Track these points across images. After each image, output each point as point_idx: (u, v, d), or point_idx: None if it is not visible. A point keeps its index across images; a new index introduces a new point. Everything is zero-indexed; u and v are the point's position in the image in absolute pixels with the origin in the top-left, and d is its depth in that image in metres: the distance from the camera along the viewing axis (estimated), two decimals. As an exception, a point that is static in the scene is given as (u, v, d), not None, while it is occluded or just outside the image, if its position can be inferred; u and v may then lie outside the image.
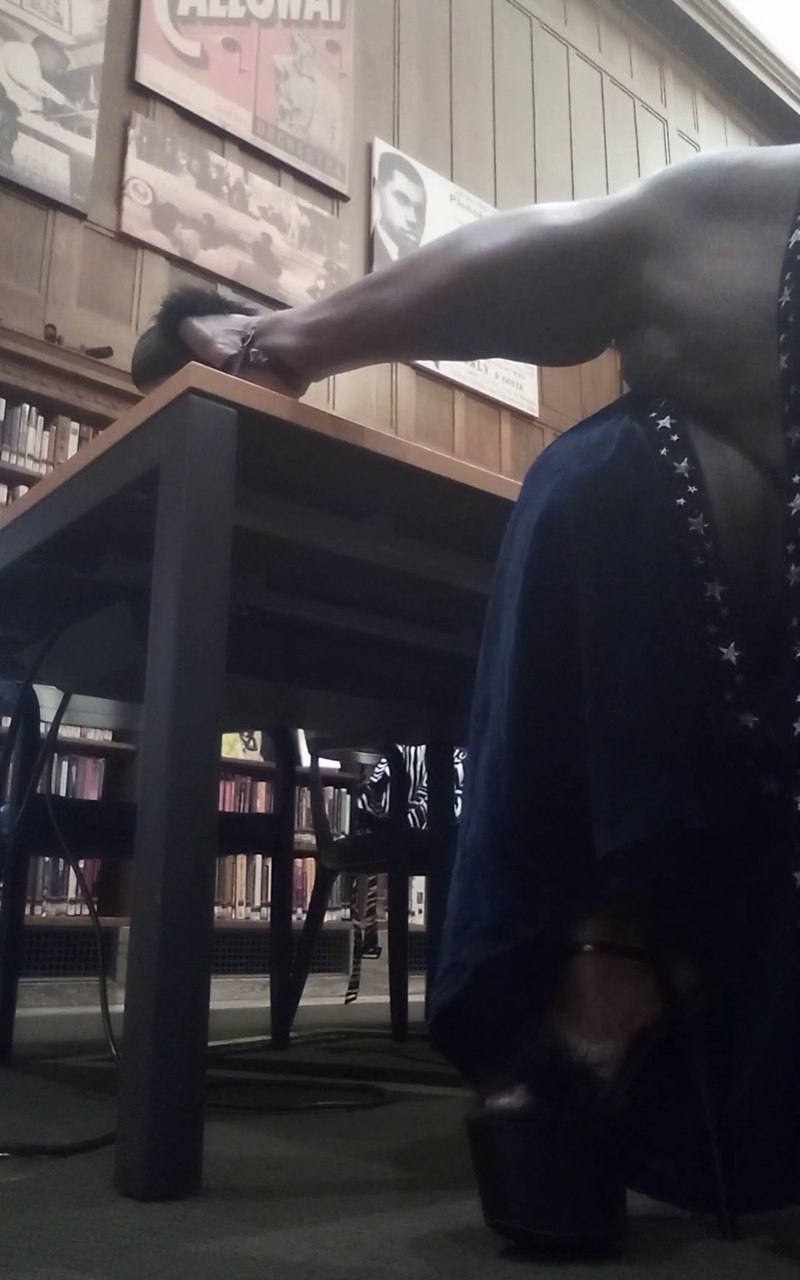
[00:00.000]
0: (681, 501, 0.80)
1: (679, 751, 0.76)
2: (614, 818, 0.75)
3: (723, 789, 0.75)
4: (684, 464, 0.81)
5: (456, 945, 0.80)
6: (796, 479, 0.76)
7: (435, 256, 0.95)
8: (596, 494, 0.82)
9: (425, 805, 2.62)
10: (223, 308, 1.16)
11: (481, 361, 5.14)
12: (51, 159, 3.77)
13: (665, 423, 0.83)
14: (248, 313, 1.16)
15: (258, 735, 3.85)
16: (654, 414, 0.84)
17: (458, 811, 2.20)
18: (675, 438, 0.83)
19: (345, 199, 4.76)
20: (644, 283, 0.87)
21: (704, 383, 0.84)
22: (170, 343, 1.16)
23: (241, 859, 3.68)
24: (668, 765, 0.75)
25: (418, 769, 2.76)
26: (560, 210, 0.92)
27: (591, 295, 0.90)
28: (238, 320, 1.14)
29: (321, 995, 3.44)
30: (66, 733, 3.27)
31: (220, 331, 1.13)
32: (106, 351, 3.69)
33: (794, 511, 0.75)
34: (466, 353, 1.04)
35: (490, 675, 0.86)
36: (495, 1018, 0.78)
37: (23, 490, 3.40)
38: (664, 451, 0.82)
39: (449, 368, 4.98)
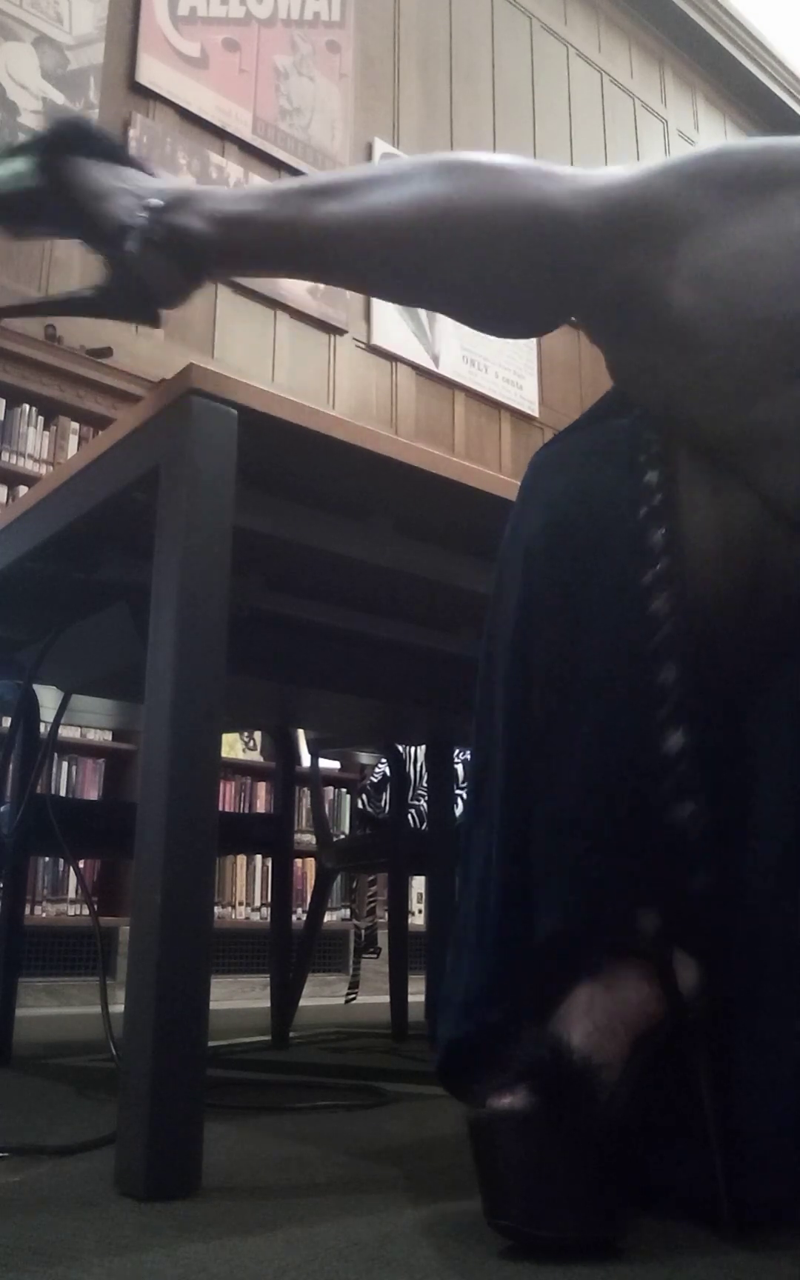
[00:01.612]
0: (647, 580, 0.76)
1: (608, 851, 0.75)
2: (540, 908, 0.76)
3: (653, 884, 0.75)
4: (661, 534, 0.76)
5: (441, 1016, 0.83)
6: None
7: (398, 183, 0.83)
8: (560, 569, 0.78)
9: (425, 805, 2.62)
10: (119, 157, 0.94)
11: (481, 361, 5.14)
12: (51, 159, 3.76)
13: (651, 478, 0.78)
14: (149, 174, 0.95)
15: (258, 735, 3.84)
16: (644, 458, 0.78)
17: (458, 811, 2.20)
18: (659, 499, 0.77)
19: (345, 199, 4.75)
20: (642, 284, 0.77)
21: (715, 415, 0.75)
22: (48, 179, 0.92)
23: (241, 859, 3.68)
24: (593, 865, 0.76)
25: (418, 769, 2.76)
26: (554, 177, 0.81)
27: (568, 283, 0.81)
28: (139, 181, 0.92)
29: (321, 995, 3.44)
30: (66, 733, 3.26)
31: (117, 189, 0.90)
32: (106, 351, 3.69)
33: None
34: (393, 297, 0.94)
35: (487, 741, 0.84)
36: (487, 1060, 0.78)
37: (23, 490, 3.40)
38: (643, 512, 0.77)
39: (449, 368, 4.98)
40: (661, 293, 0.75)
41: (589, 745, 0.76)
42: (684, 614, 0.75)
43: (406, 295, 0.94)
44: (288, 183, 0.89)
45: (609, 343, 0.83)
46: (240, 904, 3.66)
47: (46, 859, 3.21)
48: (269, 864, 3.31)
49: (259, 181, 4.14)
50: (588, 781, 0.76)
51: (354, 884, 3.22)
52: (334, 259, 0.88)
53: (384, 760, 2.61)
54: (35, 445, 3.54)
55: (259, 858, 3.63)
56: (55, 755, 3.36)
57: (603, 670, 0.76)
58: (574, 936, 0.76)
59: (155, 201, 0.89)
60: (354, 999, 3.00)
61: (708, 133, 6.78)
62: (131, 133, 4.01)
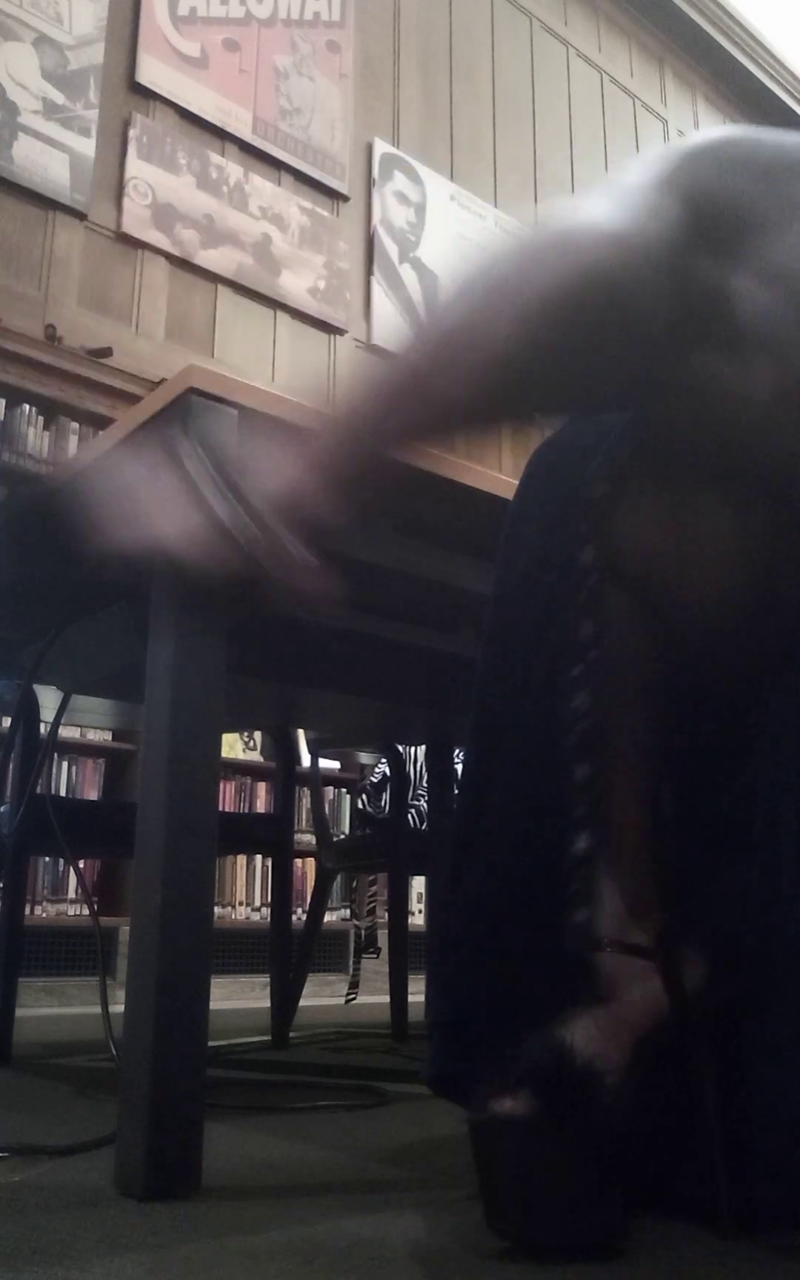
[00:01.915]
0: (574, 673, 0.80)
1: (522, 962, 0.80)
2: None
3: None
4: (588, 626, 0.79)
5: (433, 1030, 0.86)
6: None
7: (470, 339, 0.74)
8: (504, 608, 0.83)
9: (425, 805, 2.62)
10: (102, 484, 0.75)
11: (481, 361, 5.14)
12: (51, 159, 3.77)
13: (600, 490, 0.80)
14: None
15: (258, 735, 3.84)
16: (596, 470, 0.80)
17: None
18: (593, 579, 0.80)
19: (345, 199, 4.75)
20: (713, 286, 0.68)
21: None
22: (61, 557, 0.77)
23: (241, 859, 3.68)
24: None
25: (418, 769, 2.76)
26: (581, 246, 0.70)
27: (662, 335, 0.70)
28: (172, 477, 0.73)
29: (321, 995, 3.44)
30: (66, 733, 3.26)
31: (167, 503, 0.72)
32: (106, 351, 3.69)
33: None
34: (550, 410, 0.85)
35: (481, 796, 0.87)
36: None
37: (23, 490, 3.39)
38: (578, 597, 0.80)
39: (449, 368, 4.98)
40: (732, 292, 0.68)
41: (502, 822, 0.82)
42: (604, 711, 0.78)
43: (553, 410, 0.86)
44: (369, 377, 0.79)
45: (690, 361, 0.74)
46: (240, 904, 3.66)
47: (46, 859, 3.21)
48: (269, 864, 3.31)
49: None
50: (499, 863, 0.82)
51: (354, 884, 3.22)
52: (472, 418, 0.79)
53: (384, 760, 2.61)
54: (35, 445, 3.54)
55: (259, 858, 3.63)
56: (55, 755, 3.36)
57: (517, 759, 0.82)
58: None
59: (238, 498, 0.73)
60: (354, 999, 3.00)
61: (708, 133, 6.77)
62: (131, 133, 4.01)
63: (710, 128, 0.78)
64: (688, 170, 0.72)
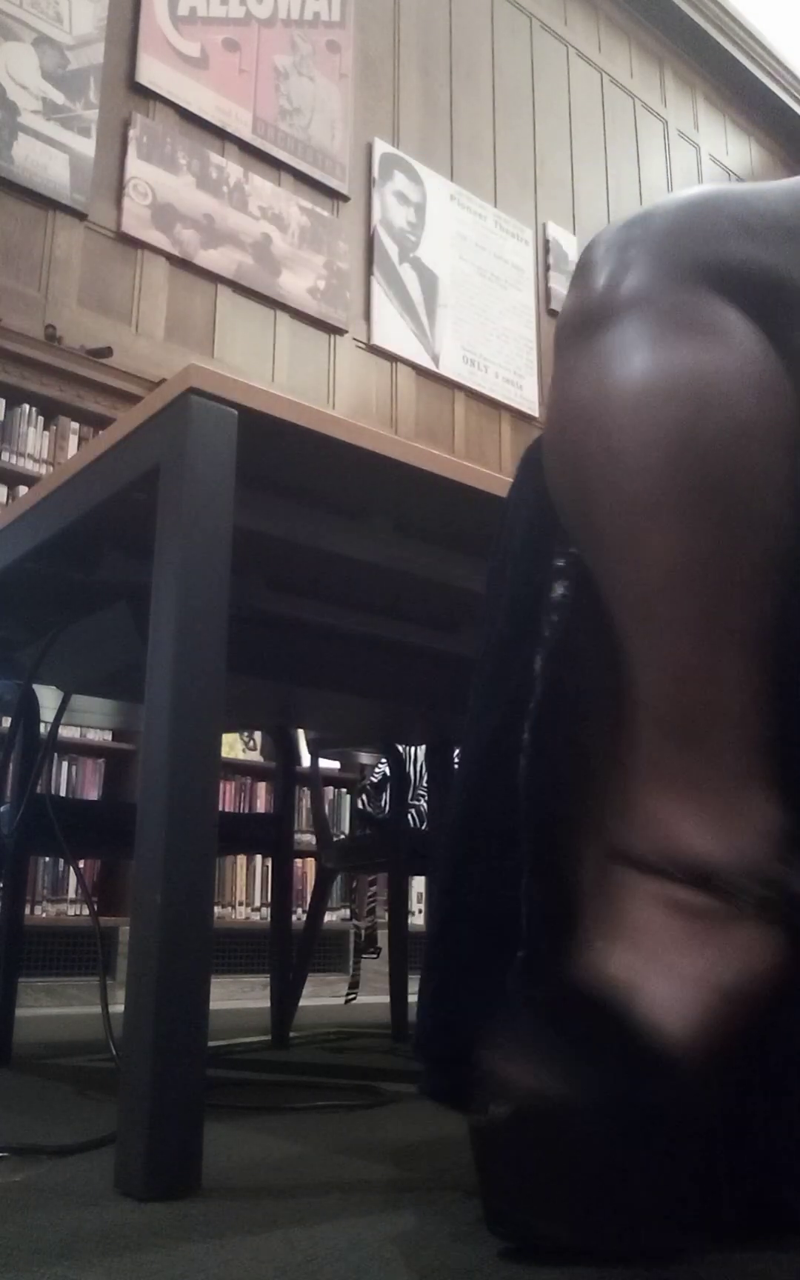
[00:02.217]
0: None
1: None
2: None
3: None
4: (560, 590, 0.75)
5: (423, 1033, 0.82)
6: None
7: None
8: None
9: (425, 805, 2.62)
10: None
11: (481, 361, 5.14)
12: (51, 159, 3.77)
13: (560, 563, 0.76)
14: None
15: (258, 735, 3.84)
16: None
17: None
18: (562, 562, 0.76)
19: (345, 199, 4.75)
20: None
21: None
22: None
23: (241, 859, 3.68)
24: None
25: (418, 769, 2.76)
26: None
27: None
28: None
29: (321, 995, 3.44)
30: (66, 733, 3.26)
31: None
32: (106, 351, 3.69)
33: None
34: None
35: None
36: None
37: (23, 490, 3.40)
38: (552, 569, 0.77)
39: (449, 368, 4.98)
40: None
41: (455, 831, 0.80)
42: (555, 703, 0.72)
43: None
44: None
45: None
46: (240, 904, 3.66)
47: (46, 859, 3.21)
48: (269, 864, 3.31)
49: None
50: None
51: (354, 884, 3.22)
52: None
53: (384, 760, 2.61)
54: (35, 445, 3.54)
55: (259, 858, 3.63)
56: (55, 755, 3.36)
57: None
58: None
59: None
60: (354, 999, 3.00)
61: (707, 133, 6.78)
62: (131, 133, 4.01)
63: (661, 201, 0.67)
64: (697, 254, 0.64)
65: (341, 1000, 3.09)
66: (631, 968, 0.58)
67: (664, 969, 0.58)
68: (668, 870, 0.59)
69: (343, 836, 3.34)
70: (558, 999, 0.60)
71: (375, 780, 2.80)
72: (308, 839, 3.38)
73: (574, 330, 0.66)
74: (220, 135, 4.34)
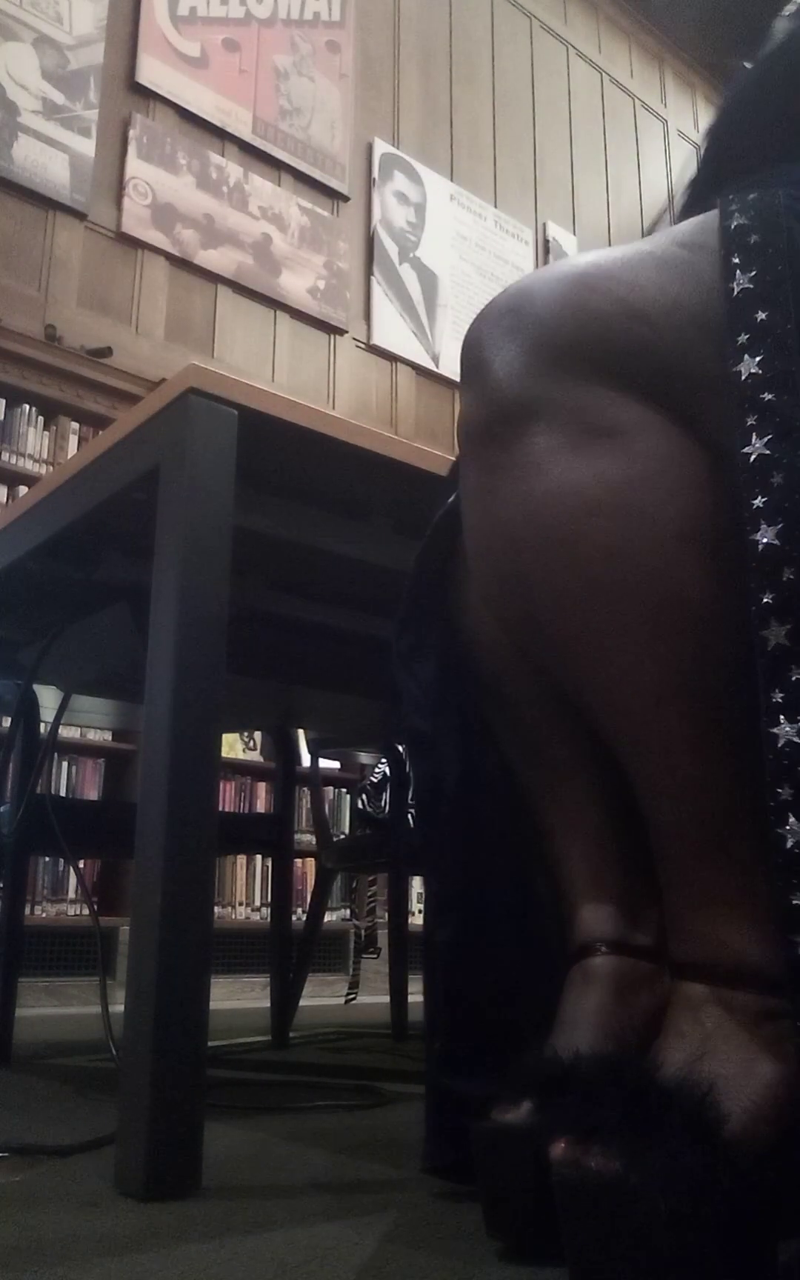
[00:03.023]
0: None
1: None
2: None
3: None
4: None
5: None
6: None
7: None
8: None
9: (425, 805, 2.61)
10: None
11: (481, 361, 5.13)
12: (51, 159, 3.77)
13: None
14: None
15: (258, 735, 3.84)
16: None
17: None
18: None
19: (345, 199, 4.75)
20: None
21: None
22: None
23: (241, 859, 3.68)
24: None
25: (418, 769, 2.75)
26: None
27: None
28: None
29: (321, 995, 3.44)
30: (66, 733, 3.26)
31: None
32: (106, 351, 3.69)
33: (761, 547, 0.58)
34: None
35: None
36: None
37: (23, 490, 3.40)
38: None
39: (449, 368, 4.98)
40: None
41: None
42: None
43: None
44: None
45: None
46: (240, 904, 3.66)
47: (46, 859, 3.21)
48: (269, 864, 3.31)
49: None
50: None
51: (354, 884, 3.22)
52: None
53: (384, 760, 2.61)
54: (35, 445, 3.54)
55: (259, 858, 3.63)
56: (55, 755, 3.36)
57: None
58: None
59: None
60: (354, 999, 3.00)
61: (708, 133, 6.77)
62: (131, 133, 4.01)
63: (533, 282, 0.65)
64: (583, 345, 0.62)
65: (341, 1000, 3.09)
66: (693, 1058, 0.60)
67: (722, 1061, 0.60)
68: (726, 979, 0.62)
69: (343, 836, 3.34)
70: (612, 1085, 0.61)
71: (375, 780, 2.80)
72: (308, 839, 3.38)
73: (479, 441, 0.65)
74: (220, 135, 4.34)
